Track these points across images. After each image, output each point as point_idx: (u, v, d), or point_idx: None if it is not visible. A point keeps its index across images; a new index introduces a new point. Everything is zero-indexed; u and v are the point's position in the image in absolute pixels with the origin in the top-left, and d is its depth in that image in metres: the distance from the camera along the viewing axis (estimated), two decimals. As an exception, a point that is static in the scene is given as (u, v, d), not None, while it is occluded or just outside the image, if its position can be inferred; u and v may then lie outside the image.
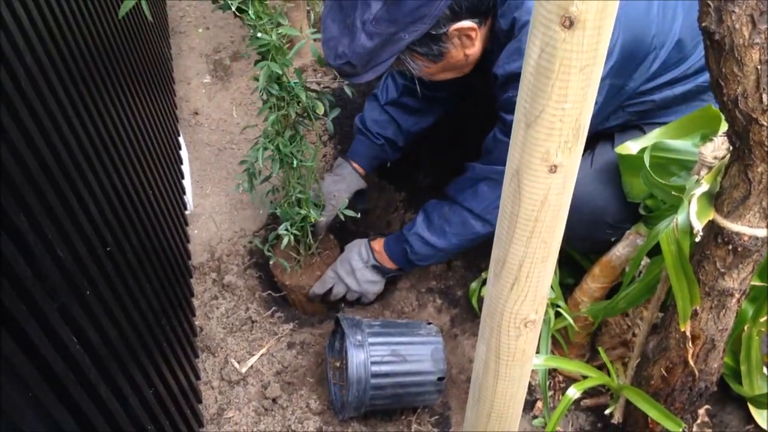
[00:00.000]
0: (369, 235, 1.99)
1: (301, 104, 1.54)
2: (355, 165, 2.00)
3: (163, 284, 1.58)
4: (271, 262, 1.89)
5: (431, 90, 1.88)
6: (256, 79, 1.43)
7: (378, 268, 1.86)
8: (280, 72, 1.42)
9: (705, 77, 1.49)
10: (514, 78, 1.46)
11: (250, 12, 1.34)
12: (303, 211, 1.70)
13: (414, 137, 2.03)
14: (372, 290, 1.90)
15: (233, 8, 1.32)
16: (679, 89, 1.56)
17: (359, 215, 1.86)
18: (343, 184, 1.97)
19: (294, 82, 1.49)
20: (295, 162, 1.62)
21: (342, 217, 1.80)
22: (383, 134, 1.98)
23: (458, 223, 1.69)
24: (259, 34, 1.37)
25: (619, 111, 1.59)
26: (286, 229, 1.70)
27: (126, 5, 1.21)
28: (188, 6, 3.01)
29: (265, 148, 1.59)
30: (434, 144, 2.34)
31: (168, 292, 1.61)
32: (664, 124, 1.46)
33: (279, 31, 1.40)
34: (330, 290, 1.87)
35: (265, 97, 1.50)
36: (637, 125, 1.63)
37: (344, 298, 1.91)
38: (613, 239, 1.61)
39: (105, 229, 1.23)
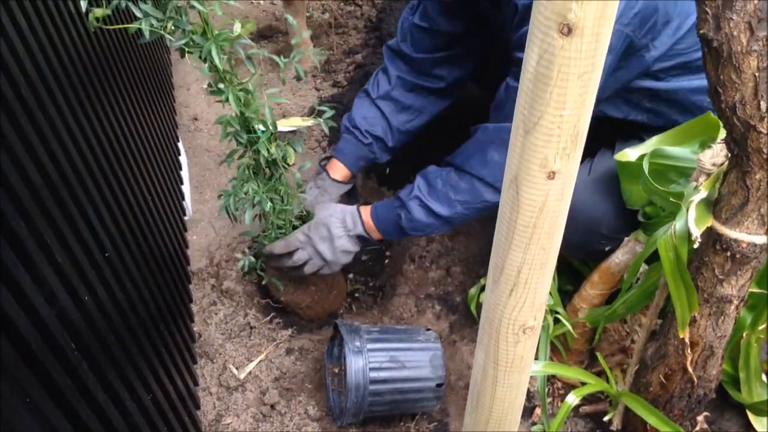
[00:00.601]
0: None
1: (269, 153, 1.50)
2: (340, 166, 1.90)
3: (161, 290, 1.58)
4: (263, 282, 1.89)
5: (430, 68, 1.86)
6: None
7: (361, 238, 1.71)
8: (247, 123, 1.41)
9: None
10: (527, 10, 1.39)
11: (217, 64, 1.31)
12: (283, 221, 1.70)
13: (404, 138, 1.94)
14: (343, 261, 1.73)
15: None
16: (696, 82, 1.53)
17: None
18: (325, 196, 1.85)
19: (261, 131, 1.44)
20: (268, 207, 1.57)
21: None
22: (372, 132, 1.89)
23: (466, 190, 1.58)
24: (221, 85, 1.35)
25: (633, 96, 1.57)
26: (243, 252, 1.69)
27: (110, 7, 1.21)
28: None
29: (236, 194, 1.55)
30: (431, 149, 2.34)
31: (166, 297, 1.61)
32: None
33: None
34: (290, 253, 1.70)
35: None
36: (638, 136, 1.62)
37: (300, 266, 1.72)
38: (607, 249, 1.60)
39: (104, 234, 1.23)
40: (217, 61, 1.28)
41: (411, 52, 1.88)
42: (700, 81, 1.54)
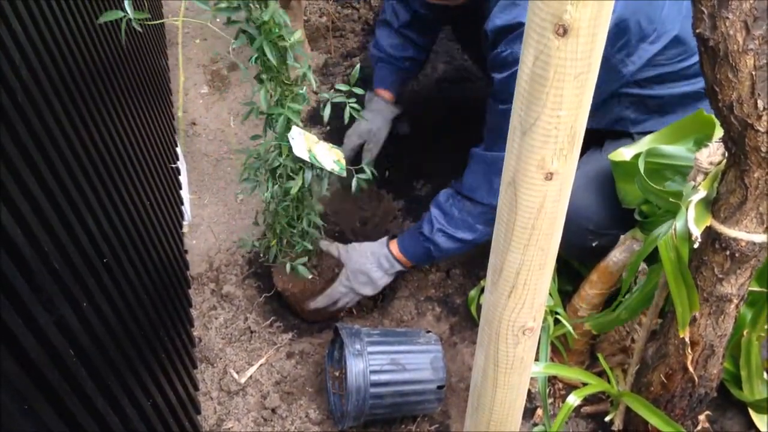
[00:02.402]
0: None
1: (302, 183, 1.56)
2: (385, 92, 2.08)
3: (161, 295, 1.57)
4: (273, 269, 1.89)
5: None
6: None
7: (398, 272, 1.85)
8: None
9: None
10: (504, 31, 1.46)
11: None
12: (308, 245, 1.75)
13: (432, 46, 2.17)
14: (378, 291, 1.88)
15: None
16: (678, 89, 1.56)
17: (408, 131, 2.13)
18: (379, 117, 2.04)
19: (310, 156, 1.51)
20: (299, 246, 1.68)
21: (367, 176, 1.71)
22: (405, 55, 2.06)
23: (481, 214, 1.68)
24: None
25: (618, 100, 1.59)
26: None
27: (110, 14, 1.22)
28: (185, 17, 3.01)
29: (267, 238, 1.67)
30: (432, 152, 2.35)
31: (166, 302, 1.61)
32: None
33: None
34: (334, 303, 1.86)
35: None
36: (629, 133, 1.63)
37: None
38: (594, 244, 1.61)
39: (102, 240, 1.23)
40: (270, 56, 1.33)
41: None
42: (688, 87, 1.55)
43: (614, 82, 1.52)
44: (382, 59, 2.07)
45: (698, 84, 1.54)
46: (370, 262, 1.80)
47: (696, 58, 1.50)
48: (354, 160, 2.02)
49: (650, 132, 1.51)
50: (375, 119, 2.05)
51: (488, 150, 1.65)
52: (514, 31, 1.44)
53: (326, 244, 1.86)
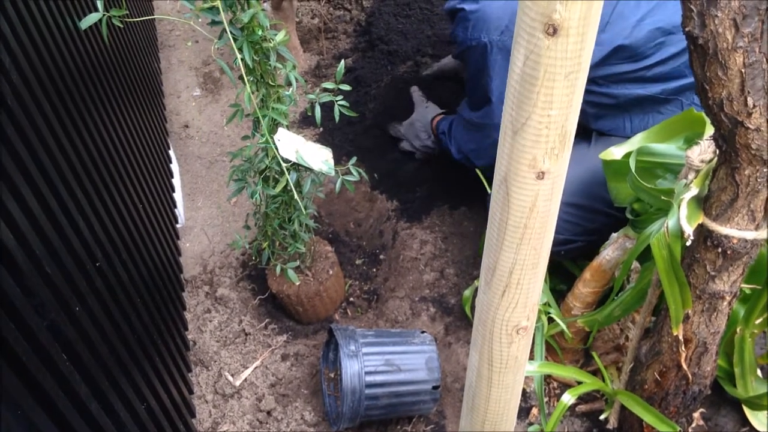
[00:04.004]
0: (361, 246, 1.99)
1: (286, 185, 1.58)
2: None
3: (154, 298, 1.57)
4: (267, 271, 1.88)
5: None
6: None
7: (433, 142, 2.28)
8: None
9: (661, 88, 1.53)
10: (450, 14, 1.71)
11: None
12: (300, 247, 1.75)
13: None
14: (427, 150, 2.32)
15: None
16: (635, 92, 1.59)
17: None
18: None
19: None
20: (291, 249, 1.70)
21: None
22: None
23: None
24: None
25: None
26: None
27: (89, 19, 1.21)
28: (177, 19, 3.01)
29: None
30: (420, 158, 2.35)
31: (159, 306, 1.61)
32: (613, 134, 1.57)
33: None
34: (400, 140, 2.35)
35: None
36: (586, 129, 1.69)
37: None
38: (563, 252, 1.65)
39: (94, 244, 1.23)
40: (247, 57, 1.33)
41: None
42: (642, 90, 1.59)
43: None
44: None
45: (656, 88, 1.57)
46: (419, 123, 2.29)
47: (649, 60, 1.53)
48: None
49: (611, 130, 1.61)
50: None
51: (469, 109, 1.85)
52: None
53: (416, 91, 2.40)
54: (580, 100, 0.75)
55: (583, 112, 1.63)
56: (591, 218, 1.62)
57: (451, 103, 2.36)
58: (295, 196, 1.52)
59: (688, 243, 1.16)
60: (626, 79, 1.58)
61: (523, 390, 1.68)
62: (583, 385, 1.56)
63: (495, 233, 0.89)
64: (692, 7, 0.93)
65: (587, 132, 1.72)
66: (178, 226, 2.16)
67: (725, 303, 1.25)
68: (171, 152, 2.29)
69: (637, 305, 1.49)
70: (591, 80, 1.57)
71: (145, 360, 1.36)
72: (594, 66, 1.53)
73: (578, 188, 1.61)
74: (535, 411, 1.73)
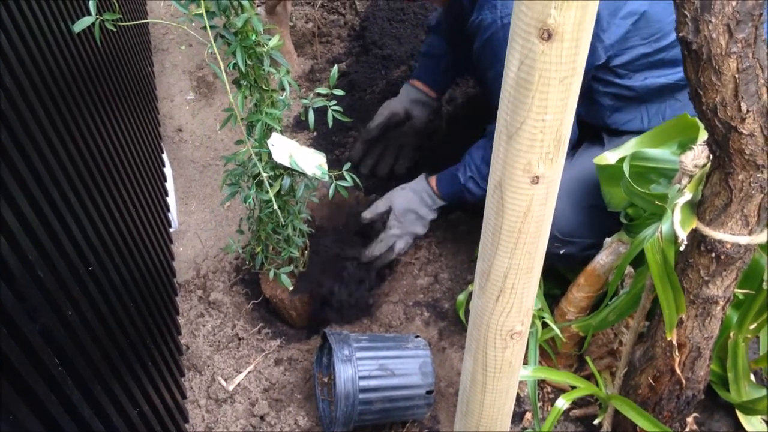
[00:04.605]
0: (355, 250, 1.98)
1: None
2: (419, 84, 2.20)
3: (147, 303, 1.56)
4: (261, 276, 1.88)
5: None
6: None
7: (440, 208, 1.92)
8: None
9: (681, 74, 1.53)
10: (475, 28, 1.58)
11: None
12: (293, 251, 1.75)
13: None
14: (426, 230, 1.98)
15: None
16: (656, 81, 1.59)
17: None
18: (418, 106, 2.16)
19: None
20: (285, 253, 1.68)
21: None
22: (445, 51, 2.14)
23: None
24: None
25: (597, 89, 1.61)
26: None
27: (82, 22, 1.21)
28: (170, 23, 3.01)
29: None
30: (421, 156, 2.35)
31: (152, 310, 1.60)
32: (629, 132, 1.53)
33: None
34: (391, 249, 1.92)
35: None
36: (600, 133, 1.68)
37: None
38: (561, 252, 1.65)
39: (87, 248, 1.22)
40: (240, 62, 1.32)
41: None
42: (663, 79, 1.57)
43: (592, 54, 1.54)
44: (424, 54, 2.15)
45: (676, 75, 1.56)
46: (414, 200, 1.89)
47: (670, 38, 1.53)
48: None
49: (626, 123, 1.59)
50: (413, 106, 2.12)
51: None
52: None
53: (370, 211, 1.94)
54: (575, 105, 0.75)
55: (600, 106, 1.65)
56: (612, 218, 1.61)
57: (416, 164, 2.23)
58: (292, 201, 1.53)
59: (682, 248, 1.16)
60: (646, 65, 1.57)
61: (517, 394, 1.68)
62: (577, 390, 1.56)
63: (489, 238, 0.89)
64: (686, 12, 0.94)
65: (598, 134, 1.73)
66: (171, 230, 2.15)
67: (719, 308, 1.25)
68: (164, 156, 2.29)
69: (631, 310, 1.49)
70: (612, 70, 1.58)
71: (137, 365, 1.35)
72: (617, 43, 1.53)
73: (597, 190, 1.61)
74: (529, 415, 1.73)
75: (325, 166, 1.60)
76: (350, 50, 2.82)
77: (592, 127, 1.73)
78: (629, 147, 1.45)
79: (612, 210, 1.53)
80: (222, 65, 1.31)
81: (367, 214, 1.92)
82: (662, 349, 1.35)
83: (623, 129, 1.67)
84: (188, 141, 2.49)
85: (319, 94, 1.51)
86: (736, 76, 0.95)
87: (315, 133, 2.45)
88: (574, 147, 1.73)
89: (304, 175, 1.56)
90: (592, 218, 1.61)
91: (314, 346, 1.88)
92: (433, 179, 1.90)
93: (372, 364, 1.62)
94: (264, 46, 1.36)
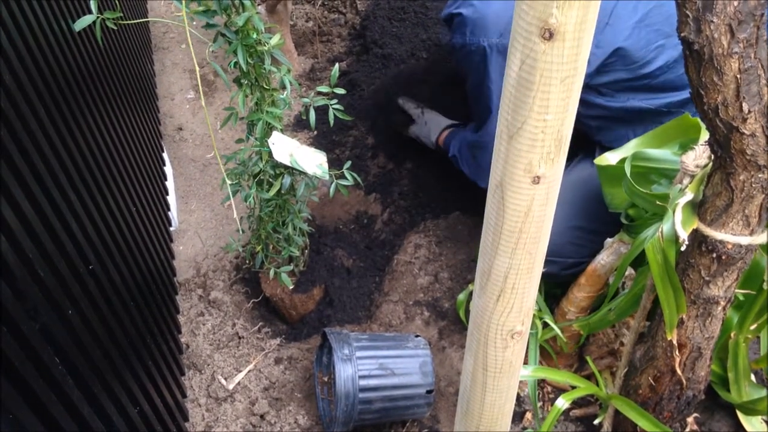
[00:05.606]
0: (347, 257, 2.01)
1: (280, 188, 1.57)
2: None
3: (147, 302, 1.56)
4: (261, 275, 1.88)
5: None
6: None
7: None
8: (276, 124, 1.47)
9: (668, 101, 1.52)
10: (450, 47, 1.70)
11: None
12: (294, 250, 1.74)
13: None
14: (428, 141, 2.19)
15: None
16: (638, 104, 1.58)
17: None
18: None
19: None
20: (285, 252, 1.68)
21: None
22: None
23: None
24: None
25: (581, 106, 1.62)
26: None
27: (83, 21, 1.21)
28: (171, 22, 3.00)
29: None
30: (414, 161, 2.35)
31: (153, 309, 1.60)
32: (616, 147, 1.51)
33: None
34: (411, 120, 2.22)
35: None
36: (592, 142, 1.68)
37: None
38: (545, 269, 1.64)
39: (87, 247, 1.22)
40: (241, 61, 1.33)
41: None
42: (644, 103, 1.58)
43: None
44: None
45: (660, 101, 1.55)
46: (432, 130, 2.15)
47: (654, 66, 1.53)
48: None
49: (612, 141, 1.59)
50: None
51: (478, 130, 1.79)
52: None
53: (404, 101, 2.21)
54: (576, 105, 0.75)
55: (585, 125, 1.64)
56: (599, 240, 1.61)
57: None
58: (292, 199, 1.53)
59: (683, 248, 1.16)
60: (632, 87, 1.57)
61: (518, 394, 1.68)
62: (578, 390, 1.56)
63: (490, 238, 0.89)
64: (688, 12, 0.93)
65: (590, 146, 1.72)
66: (171, 229, 2.15)
67: (719, 308, 1.25)
68: (165, 155, 2.29)
69: (631, 310, 1.49)
70: (594, 89, 1.57)
71: (138, 363, 1.35)
72: (595, 72, 1.53)
73: (585, 211, 1.61)
74: (529, 415, 1.73)
75: (326, 165, 1.60)
76: (351, 49, 2.82)
77: (585, 139, 1.73)
78: (630, 147, 1.45)
79: (613, 211, 1.52)
80: (227, 63, 1.32)
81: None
82: (663, 349, 1.35)
83: (612, 146, 1.67)
84: (188, 140, 2.49)
85: (320, 93, 1.51)
86: (738, 76, 0.95)
87: (315, 132, 2.45)
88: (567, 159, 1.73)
89: (305, 174, 1.56)
90: (576, 239, 1.61)
91: (314, 345, 1.88)
92: (443, 135, 2.10)
93: (372, 364, 1.62)
94: (265, 45, 1.36)
